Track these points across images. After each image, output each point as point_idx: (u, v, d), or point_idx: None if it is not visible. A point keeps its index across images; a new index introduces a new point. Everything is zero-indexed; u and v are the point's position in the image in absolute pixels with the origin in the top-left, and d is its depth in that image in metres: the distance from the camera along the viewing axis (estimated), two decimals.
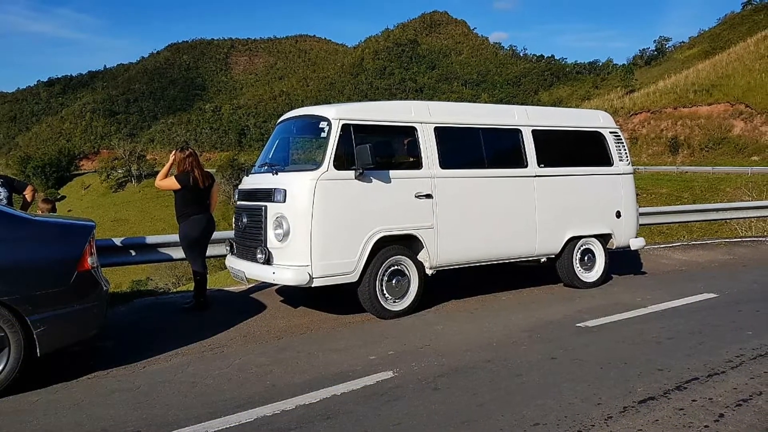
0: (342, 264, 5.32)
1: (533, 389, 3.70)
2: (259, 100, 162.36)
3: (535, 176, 6.53)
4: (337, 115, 5.48)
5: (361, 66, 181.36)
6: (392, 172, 5.60)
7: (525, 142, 6.52)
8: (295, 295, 6.80)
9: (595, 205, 7.04)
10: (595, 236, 7.07)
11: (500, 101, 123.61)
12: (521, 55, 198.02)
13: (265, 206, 5.49)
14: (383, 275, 5.62)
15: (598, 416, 3.21)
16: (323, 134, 5.46)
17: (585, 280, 7.00)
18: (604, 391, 3.62)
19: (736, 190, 29.61)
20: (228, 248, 6.23)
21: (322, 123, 5.54)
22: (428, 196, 5.76)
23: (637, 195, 7.55)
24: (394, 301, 5.72)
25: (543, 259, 6.81)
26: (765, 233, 14.39)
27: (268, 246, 5.42)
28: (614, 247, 7.26)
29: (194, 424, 3.28)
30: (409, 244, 5.79)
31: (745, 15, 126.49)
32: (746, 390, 3.55)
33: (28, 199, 6.51)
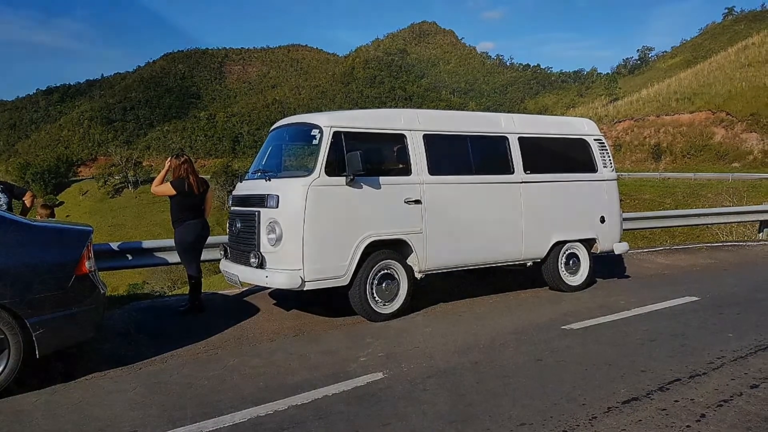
0: (333, 268, 5.42)
1: (520, 390, 3.82)
2: (252, 108, 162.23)
3: (522, 182, 6.68)
4: (328, 122, 5.60)
5: (352, 75, 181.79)
6: (382, 179, 5.73)
7: (511, 149, 6.68)
8: (288, 298, 6.88)
9: (580, 210, 7.21)
10: (580, 241, 7.23)
11: (487, 109, 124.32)
12: (508, 64, 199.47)
13: (259, 212, 5.59)
14: (373, 279, 5.73)
15: (582, 416, 3.33)
16: (315, 141, 5.58)
17: (570, 283, 7.15)
18: (589, 392, 3.73)
19: (717, 195, 30.08)
20: (222, 252, 6.31)
21: (314, 130, 5.66)
22: (417, 201, 5.89)
23: (620, 201, 7.74)
24: (384, 304, 5.83)
25: (529, 263, 6.96)
26: (745, 238, 14.69)
27: (261, 250, 5.51)
28: (598, 252, 7.43)
29: (189, 424, 3.36)
30: (398, 248, 5.91)
31: (726, 25, 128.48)
32: (727, 391, 3.68)
33: (28, 205, 6.57)
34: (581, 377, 4.02)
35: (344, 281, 5.50)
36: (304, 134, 5.87)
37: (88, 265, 4.14)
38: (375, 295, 5.75)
